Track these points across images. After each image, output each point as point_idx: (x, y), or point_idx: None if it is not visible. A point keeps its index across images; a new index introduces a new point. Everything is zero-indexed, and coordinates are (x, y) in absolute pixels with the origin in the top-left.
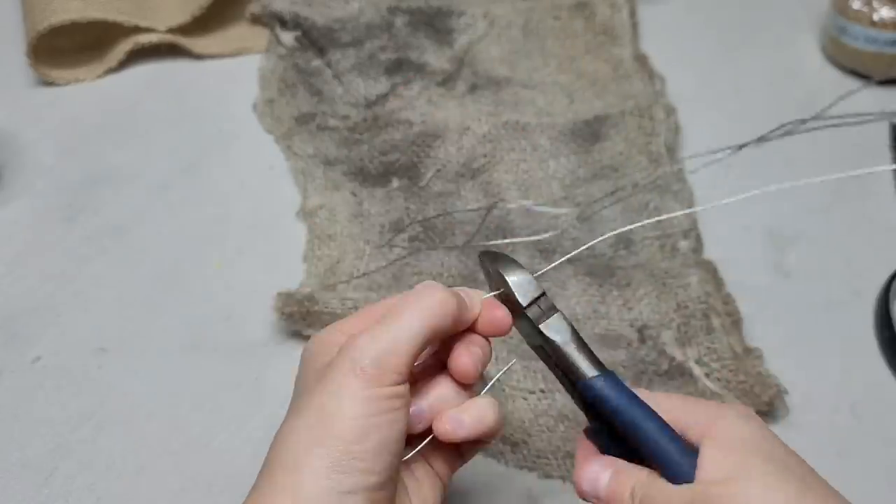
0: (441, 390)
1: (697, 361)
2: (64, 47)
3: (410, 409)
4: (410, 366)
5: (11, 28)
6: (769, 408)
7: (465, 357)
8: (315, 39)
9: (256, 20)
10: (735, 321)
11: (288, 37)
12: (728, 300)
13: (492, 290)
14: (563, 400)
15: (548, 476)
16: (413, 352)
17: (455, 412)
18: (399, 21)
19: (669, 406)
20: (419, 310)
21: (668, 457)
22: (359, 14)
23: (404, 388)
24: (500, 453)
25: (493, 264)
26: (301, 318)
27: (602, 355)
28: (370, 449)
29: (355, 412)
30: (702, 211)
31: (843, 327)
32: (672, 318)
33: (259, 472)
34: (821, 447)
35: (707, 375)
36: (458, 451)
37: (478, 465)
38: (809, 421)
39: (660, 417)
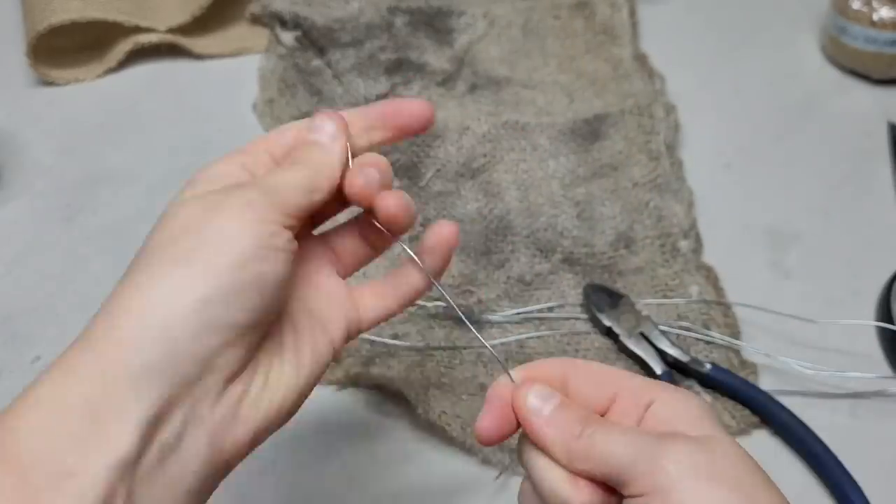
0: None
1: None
2: (64, 47)
3: None
4: (300, 216)
5: (11, 28)
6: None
7: (357, 178)
8: (315, 39)
9: (256, 20)
10: (734, 333)
11: (288, 37)
12: (728, 312)
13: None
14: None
15: None
16: (303, 203)
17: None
18: (399, 21)
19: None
20: (313, 166)
21: None
22: (359, 14)
23: (290, 235)
24: (499, 460)
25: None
26: None
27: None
28: (245, 281)
29: (241, 239)
30: (702, 210)
31: (843, 327)
32: (672, 327)
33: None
34: None
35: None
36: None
37: (473, 473)
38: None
39: None
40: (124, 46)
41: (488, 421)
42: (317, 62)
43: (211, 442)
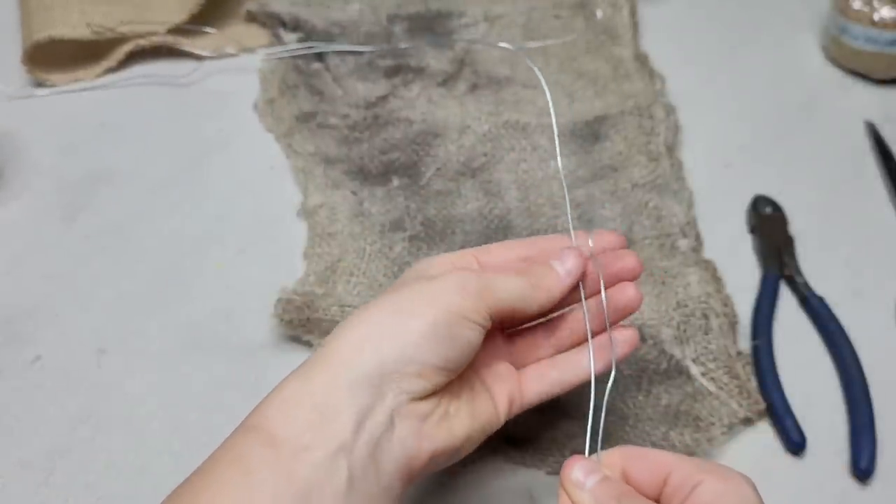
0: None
1: (694, 360)
2: (63, 49)
3: None
4: (503, 313)
5: (11, 27)
6: (758, 416)
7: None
8: (314, 45)
9: (252, 19)
10: (732, 323)
11: (290, 38)
12: (727, 302)
13: None
14: (564, 397)
15: (555, 473)
16: (511, 305)
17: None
18: (398, 28)
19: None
20: (538, 285)
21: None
22: (359, 19)
23: (488, 319)
24: (504, 452)
25: None
26: (300, 324)
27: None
28: (444, 336)
29: (451, 305)
30: (701, 211)
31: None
32: (672, 317)
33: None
34: (820, 447)
35: (703, 375)
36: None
37: (479, 463)
38: (809, 421)
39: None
40: (124, 47)
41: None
42: (317, 64)
43: (402, 445)
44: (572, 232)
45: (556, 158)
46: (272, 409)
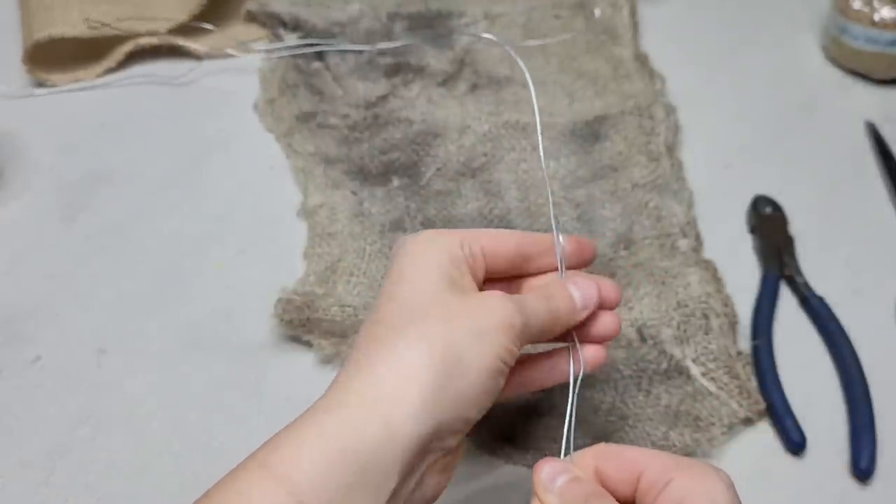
0: None
1: (694, 360)
2: (63, 49)
3: None
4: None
5: (11, 27)
6: (758, 416)
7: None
8: (314, 43)
9: (252, 18)
10: (732, 323)
11: (290, 38)
12: (728, 302)
13: None
14: (561, 398)
15: None
16: (535, 338)
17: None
18: (399, 27)
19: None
20: (557, 313)
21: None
22: (359, 18)
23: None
24: (506, 454)
25: None
26: (300, 324)
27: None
28: (482, 405)
29: (492, 367)
30: (702, 211)
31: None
32: (672, 317)
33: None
34: (820, 447)
35: (703, 375)
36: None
37: (480, 463)
38: (809, 421)
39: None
40: (124, 47)
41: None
42: (316, 64)
43: (423, 498)
44: (557, 235)
45: (556, 159)
46: (302, 450)
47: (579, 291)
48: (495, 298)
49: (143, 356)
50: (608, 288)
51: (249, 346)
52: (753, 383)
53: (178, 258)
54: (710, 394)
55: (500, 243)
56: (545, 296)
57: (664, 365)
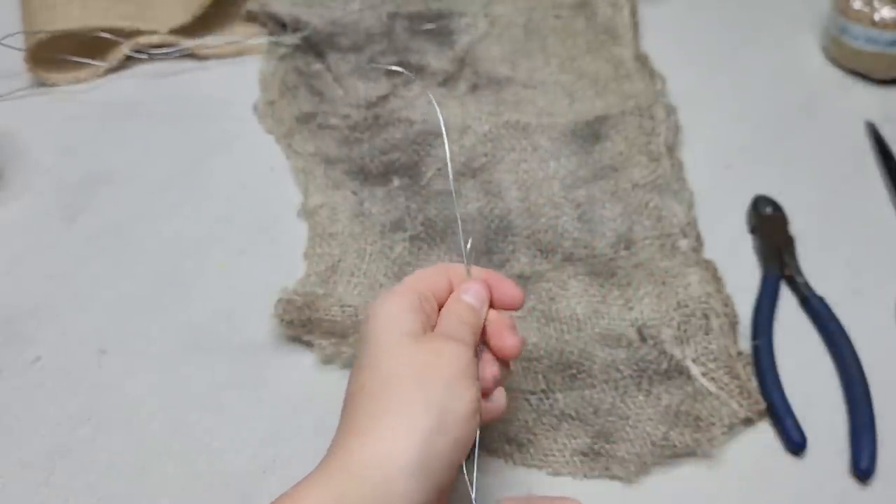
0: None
1: (695, 360)
2: (64, 49)
3: None
4: None
5: (11, 27)
6: (759, 416)
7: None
8: (315, 43)
9: (252, 18)
10: (732, 323)
11: (292, 38)
12: (728, 302)
13: None
14: (564, 400)
15: (557, 473)
16: None
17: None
18: (399, 26)
19: None
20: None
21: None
22: (359, 17)
23: None
24: (507, 454)
25: None
26: (301, 324)
27: (602, 354)
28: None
29: (472, 399)
30: (702, 211)
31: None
32: (672, 317)
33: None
34: (820, 447)
35: (703, 375)
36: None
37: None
38: (809, 421)
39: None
40: (125, 47)
41: None
42: (317, 65)
43: None
44: (466, 259)
45: (557, 159)
46: None
47: (468, 294)
48: (448, 346)
49: (144, 356)
50: (499, 281)
51: (250, 347)
52: (754, 383)
53: (179, 259)
54: (711, 394)
55: (438, 281)
56: (456, 318)
57: (664, 365)
